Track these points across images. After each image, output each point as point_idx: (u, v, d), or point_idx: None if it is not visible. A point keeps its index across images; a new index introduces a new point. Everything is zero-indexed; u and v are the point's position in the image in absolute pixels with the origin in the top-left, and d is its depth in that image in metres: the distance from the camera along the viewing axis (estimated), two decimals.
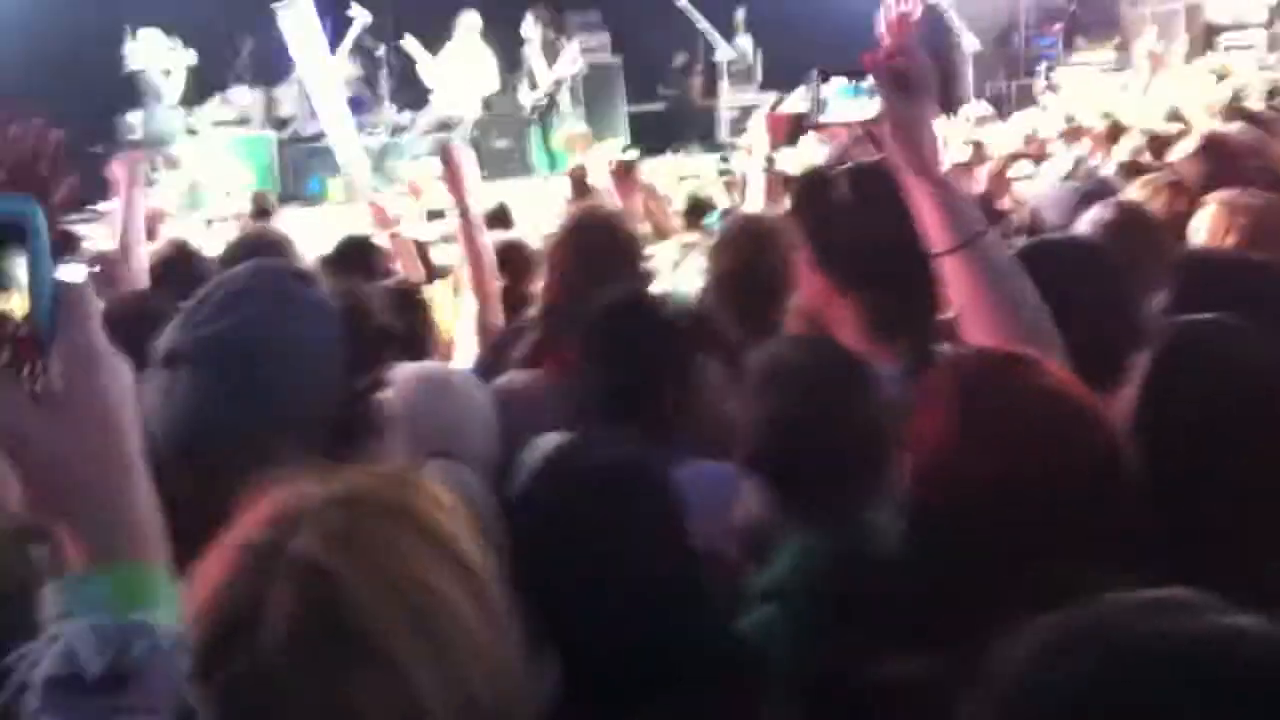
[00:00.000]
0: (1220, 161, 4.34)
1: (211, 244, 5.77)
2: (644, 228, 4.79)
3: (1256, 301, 2.04)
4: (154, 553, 0.97)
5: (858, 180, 2.31)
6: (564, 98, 13.84)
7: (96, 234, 5.72)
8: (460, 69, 13.36)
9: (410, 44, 13.10)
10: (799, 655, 1.73)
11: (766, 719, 1.67)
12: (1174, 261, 2.65)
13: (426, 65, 13.23)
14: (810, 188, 2.46)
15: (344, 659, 1.00)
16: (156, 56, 12.54)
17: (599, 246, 3.35)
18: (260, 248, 3.43)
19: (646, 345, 2.47)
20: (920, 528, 1.62)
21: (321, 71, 12.79)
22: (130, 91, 12.85)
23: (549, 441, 2.43)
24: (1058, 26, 17.20)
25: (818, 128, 2.35)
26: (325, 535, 1.05)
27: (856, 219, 2.26)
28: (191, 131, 12.87)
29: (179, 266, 4.31)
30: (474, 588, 1.08)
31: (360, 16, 13.09)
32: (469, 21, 13.46)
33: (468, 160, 3.67)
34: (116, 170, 4.16)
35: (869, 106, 2.02)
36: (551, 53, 13.81)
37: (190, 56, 12.72)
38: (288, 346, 1.61)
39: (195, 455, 1.10)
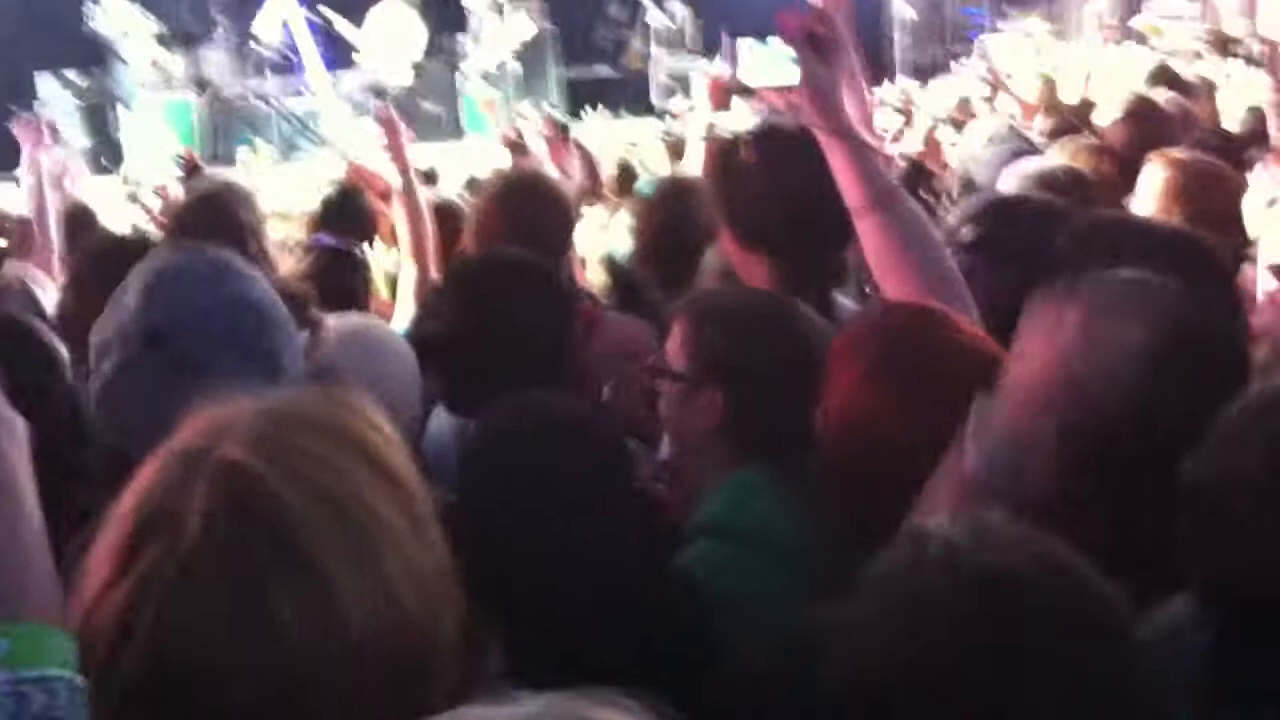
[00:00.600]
0: (1148, 126, 4.39)
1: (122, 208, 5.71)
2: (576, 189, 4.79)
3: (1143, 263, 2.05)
4: (51, 614, 0.98)
5: (763, 140, 2.36)
6: (513, 65, 13.70)
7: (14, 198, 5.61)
8: (386, 33, 13.18)
9: (325, 11, 12.95)
10: (758, 595, 1.73)
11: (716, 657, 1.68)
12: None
13: (349, 30, 13.06)
14: (721, 150, 2.51)
15: (262, 558, 0.99)
16: (119, 20, 12.39)
17: (527, 208, 3.33)
18: (229, 199, 3.40)
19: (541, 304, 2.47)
20: (832, 479, 1.63)
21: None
22: (47, 52, 12.65)
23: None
24: None
25: (740, 91, 2.37)
26: (252, 440, 1.04)
27: (760, 177, 2.31)
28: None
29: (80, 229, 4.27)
30: (404, 502, 1.07)
31: None
32: None
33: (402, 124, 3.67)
34: (18, 133, 4.10)
35: (788, 70, 2.03)
36: (498, 16, 13.67)
37: (152, 24, 12.61)
38: (260, 309, 1.75)
39: None
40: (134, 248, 3.05)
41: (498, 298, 2.43)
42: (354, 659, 0.99)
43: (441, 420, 2.45)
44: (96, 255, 3.08)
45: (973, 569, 1.05)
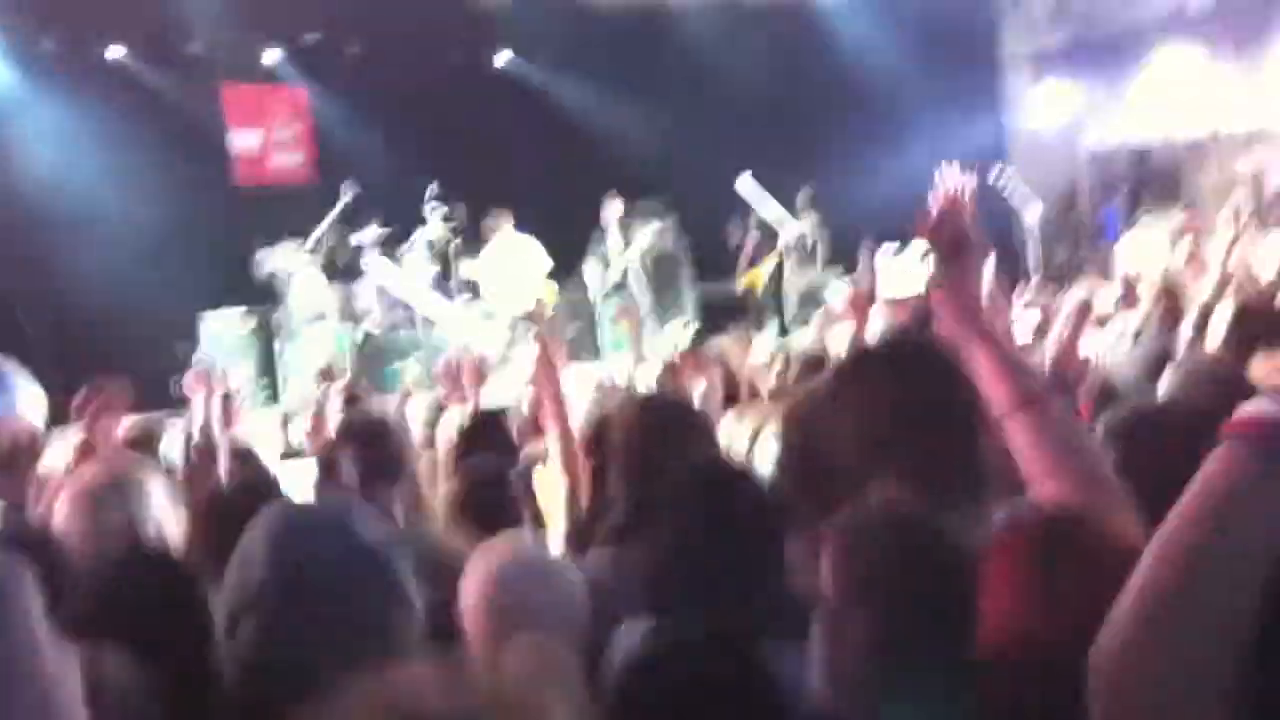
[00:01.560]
0: None
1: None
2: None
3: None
4: None
5: (858, 360, 2.46)
6: (637, 278, 14.08)
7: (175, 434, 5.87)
8: (513, 266, 13.56)
9: (468, 269, 13.55)
10: None
11: None
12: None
13: (471, 271, 13.61)
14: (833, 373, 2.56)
15: None
16: (288, 262, 13.19)
17: (666, 422, 3.39)
18: (374, 428, 3.56)
19: (743, 521, 2.50)
20: (997, 691, 1.58)
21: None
22: (210, 292, 13.37)
23: (636, 629, 2.45)
24: (1119, 196, 17.26)
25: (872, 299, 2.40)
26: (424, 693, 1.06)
27: (859, 398, 2.31)
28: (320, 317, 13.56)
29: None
30: None
31: (435, 213, 13.58)
32: (496, 221, 13.62)
33: (557, 345, 3.82)
34: (189, 388, 4.33)
35: (923, 276, 2.06)
36: (628, 235, 14.15)
37: (319, 259, 13.47)
38: (377, 557, 1.90)
39: None
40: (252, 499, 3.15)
41: (726, 510, 2.52)
42: None
43: (636, 629, 2.46)
44: (220, 508, 3.16)
45: None
